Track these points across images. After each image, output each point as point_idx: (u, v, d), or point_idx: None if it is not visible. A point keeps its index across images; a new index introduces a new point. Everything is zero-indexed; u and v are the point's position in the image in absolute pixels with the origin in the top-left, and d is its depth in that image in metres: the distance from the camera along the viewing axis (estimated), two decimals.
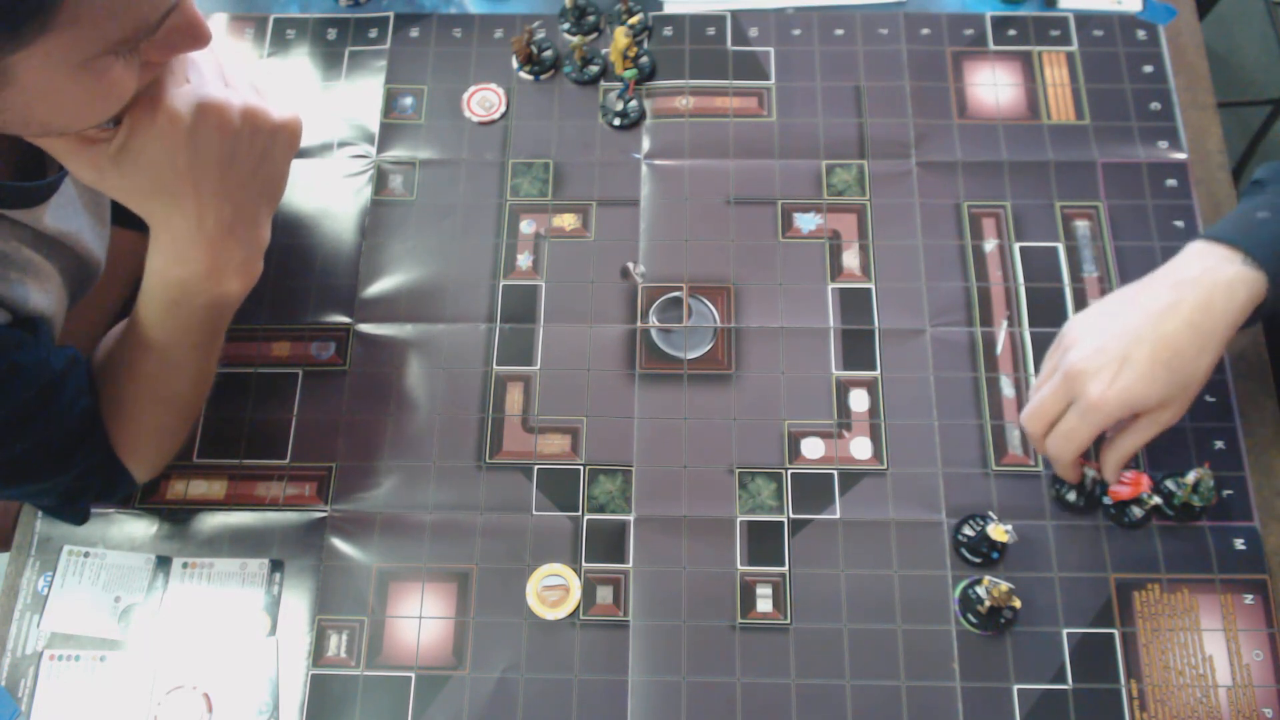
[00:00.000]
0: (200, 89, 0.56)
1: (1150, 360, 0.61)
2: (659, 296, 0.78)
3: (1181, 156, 0.81)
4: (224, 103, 0.57)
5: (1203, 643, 0.67)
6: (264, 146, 0.60)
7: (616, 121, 0.84)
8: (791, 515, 0.72)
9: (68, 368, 0.62)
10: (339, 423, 0.75)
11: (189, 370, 0.67)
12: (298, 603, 0.70)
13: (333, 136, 0.85)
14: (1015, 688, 0.67)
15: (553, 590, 0.70)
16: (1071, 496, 0.71)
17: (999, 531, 0.68)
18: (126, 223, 0.68)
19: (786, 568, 0.70)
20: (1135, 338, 0.62)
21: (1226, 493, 0.71)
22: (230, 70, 0.60)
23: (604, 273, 0.79)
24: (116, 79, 0.49)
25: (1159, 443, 0.67)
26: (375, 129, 0.85)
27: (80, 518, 0.70)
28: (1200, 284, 0.62)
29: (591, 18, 0.88)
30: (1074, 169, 0.81)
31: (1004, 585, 0.66)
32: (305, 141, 0.83)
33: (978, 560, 0.69)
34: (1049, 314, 0.77)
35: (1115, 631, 0.68)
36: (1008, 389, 0.75)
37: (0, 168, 0.59)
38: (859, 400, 0.75)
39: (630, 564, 0.71)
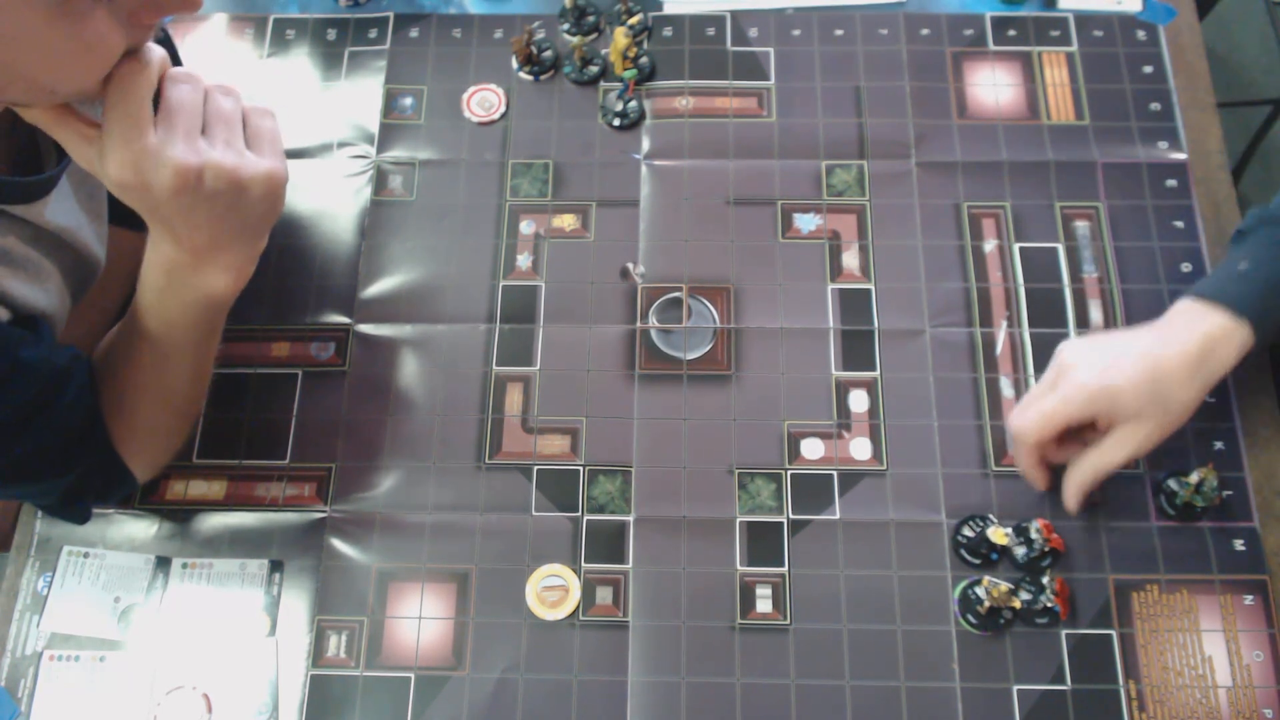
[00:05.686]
0: (164, 148, 0.54)
1: (1138, 368, 0.64)
2: (659, 297, 0.78)
3: (1181, 156, 0.81)
4: (182, 164, 0.54)
5: (1202, 643, 0.67)
6: (230, 201, 0.58)
7: (616, 122, 0.84)
8: (791, 516, 0.72)
9: (69, 366, 0.62)
10: (339, 423, 0.75)
11: (185, 364, 0.67)
12: (297, 603, 0.70)
13: (333, 137, 0.85)
14: (1015, 688, 0.67)
15: (552, 590, 0.70)
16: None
17: (999, 535, 0.68)
18: (126, 222, 0.68)
19: (786, 568, 0.70)
20: (1129, 350, 0.66)
21: (1226, 493, 0.71)
22: (215, 105, 0.58)
23: (604, 273, 0.79)
24: (99, 31, 0.48)
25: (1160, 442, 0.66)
26: (375, 129, 0.85)
27: (81, 517, 0.70)
28: (1192, 336, 0.65)
29: (591, 18, 0.88)
30: (1074, 169, 0.81)
31: (1004, 585, 0.66)
32: (305, 141, 0.84)
33: (977, 561, 0.69)
34: (1049, 314, 0.77)
35: (1113, 632, 0.68)
36: (1007, 389, 0.75)
37: None
38: (859, 401, 0.75)
39: (630, 564, 0.71)
